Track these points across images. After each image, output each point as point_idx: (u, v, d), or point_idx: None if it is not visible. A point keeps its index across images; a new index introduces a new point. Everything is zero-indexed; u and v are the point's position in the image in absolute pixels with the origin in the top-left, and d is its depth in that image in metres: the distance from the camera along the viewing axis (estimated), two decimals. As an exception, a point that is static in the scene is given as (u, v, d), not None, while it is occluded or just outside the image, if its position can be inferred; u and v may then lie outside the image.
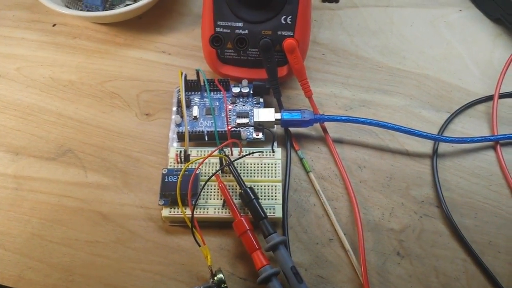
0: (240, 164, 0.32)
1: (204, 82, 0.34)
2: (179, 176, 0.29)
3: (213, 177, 0.30)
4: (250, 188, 0.30)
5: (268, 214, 0.29)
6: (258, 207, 0.29)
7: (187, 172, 0.30)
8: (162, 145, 0.34)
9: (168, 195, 0.30)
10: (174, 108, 0.35)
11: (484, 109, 0.36)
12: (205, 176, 0.31)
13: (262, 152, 0.32)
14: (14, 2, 0.44)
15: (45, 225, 0.31)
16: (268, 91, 0.35)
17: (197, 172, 0.30)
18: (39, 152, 0.35)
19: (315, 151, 0.34)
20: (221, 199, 0.30)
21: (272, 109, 0.33)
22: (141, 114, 0.36)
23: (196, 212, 0.30)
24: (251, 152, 0.32)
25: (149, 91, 0.38)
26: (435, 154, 0.34)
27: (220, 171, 0.31)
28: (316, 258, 0.30)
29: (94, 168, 0.34)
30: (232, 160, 0.31)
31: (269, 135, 0.34)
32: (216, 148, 0.30)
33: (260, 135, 0.33)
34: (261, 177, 0.31)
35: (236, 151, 0.32)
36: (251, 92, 0.35)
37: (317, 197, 0.32)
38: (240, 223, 0.28)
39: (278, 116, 0.33)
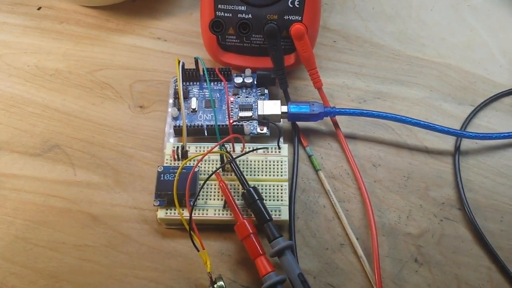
0: (243, 161, 0.32)
1: (203, 71, 0.34)
2: (176, 175, 0.29)
3: (213, 176, 0.30)
4: (254, 187, 0.30)
5: (273, 216, 0.30)
6: (263, 209, 0.29)
7: (184, 170, 0.30)
8: (157, 140, 0.35)
9: (164, 195, 0.30)
10: (171, 100, 0.35)
11: (512, 102, 0.37)
12: (204, 174, 0.32)
13: (267, 148, 0.32)
14: (-5, -17, 0.44)
15: (29, 227, 0.31)
16: (274, 82, 0.35)
17: (196, 170, 0.30)
18: (23, 147, 0.35)
19: (325, 147, 0.34)
20: (221, 199, 0.31)
21: (278, 101, 0.33)
22: (134, 107, 0.36)
23: (195, 214, 0.30)
24: (254, 148, 0.32)
25: (143, 81, 0.38)
26: (457, 152, 0.34)
27: (221, 169, 0.31)
28: (325, 265, 0.30)
29: (83, 165, 0.34)
30: (234, 157, 0.31)
31: (274, 129, 0.34)
32: (216, 143, 0.30)
33: (265, 130, 0.34)
34: (266, 175, 0.32)
35: (238, 147, 0.32)
36: (255, 82, 0.35)
37: (327, 198, 0.32)
38: (242, 226, 0.29)
39: (285, 109, 0.33)
